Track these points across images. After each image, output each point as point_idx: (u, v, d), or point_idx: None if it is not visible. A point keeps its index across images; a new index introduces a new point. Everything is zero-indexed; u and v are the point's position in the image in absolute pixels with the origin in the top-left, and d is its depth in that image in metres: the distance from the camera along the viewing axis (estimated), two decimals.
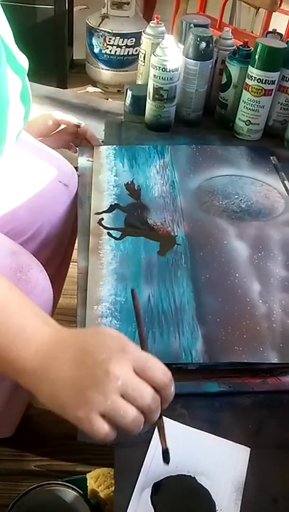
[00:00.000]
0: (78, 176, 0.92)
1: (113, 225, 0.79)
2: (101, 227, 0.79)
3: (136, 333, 0.58)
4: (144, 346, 0.52)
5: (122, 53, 2.52)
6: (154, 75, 0.98)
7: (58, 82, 2.50)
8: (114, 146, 0.98)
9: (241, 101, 1.01)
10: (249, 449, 0.55)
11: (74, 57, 2.84)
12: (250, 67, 0.97)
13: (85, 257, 0.74)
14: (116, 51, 2.51)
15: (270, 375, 0.61)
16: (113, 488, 0.76)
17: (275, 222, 0.84)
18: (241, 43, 1.00)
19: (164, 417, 0.49)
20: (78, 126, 0.98)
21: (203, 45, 0.97)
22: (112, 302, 0.67)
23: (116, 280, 0.70)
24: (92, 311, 0.65)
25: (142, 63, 1.09)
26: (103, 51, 2.52)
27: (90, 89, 2.65)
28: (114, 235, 0.77)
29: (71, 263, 1.09)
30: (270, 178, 0.93)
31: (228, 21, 2.56)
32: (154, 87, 0.99)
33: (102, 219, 0.80)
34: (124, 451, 0.52)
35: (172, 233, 0.79)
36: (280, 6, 2.00)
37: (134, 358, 0.45)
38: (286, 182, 0.93)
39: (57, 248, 0.94)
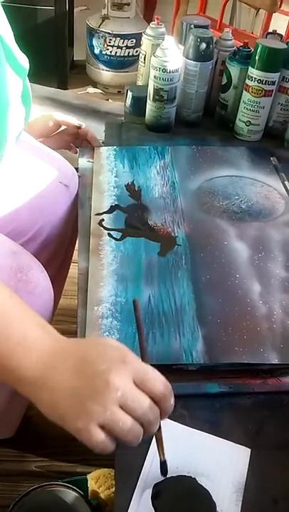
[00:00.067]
0: (79, 176, 0.92)
1: (113, 226, 0.79)
2: (101, 228, 0.79)
3: (136, 333, 0.58)
4: (144, 357, 0.52)
5: (122, 54, 2.52)
6: (155, 76, 0.98)
7: (59, 83, 2.50)
8: (115, 147, 0.98)
9: (241, 102, 1.01)
10: (249, 449, 0.54)
11: (74, 58, 2.84)
12: (250, 68, 0.97)
13: (86, 258, 0.74)
14: (116, 52, 2.51)
15: (271, 375, 0.61)
16: (114, 488, 0.76)
17: (275, 222, 0.84)
18: (241, 44, 1.00)
19: (166, 420, 0.49)
20: (79, 127, 0.98)
21: (204, 46, 0.97)
22: (113, 303, 0.67)
23: (116, 281, 0.70)
24: (92, 311, 0.65)
25: (143, 64, 1.09)
26: (103, 52, 2.52)
27: (91, 90, 2.66)
28: (114, 236, 0.78)
29: (72, 264, 1.09)
30: (270, 178, 0.93)
31: (228, 22, 2.56)
32: (154, 88, 0.99)
33: (103, 220, 0.80)
34: (124, 452, 0.52)
35: (172, 234, 0.79)
36: (280, 6, 2.01)
37: (134, 369, 0.45)
38: (286, 183, 0.93)
39: (57, 249, 0.94)
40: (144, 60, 1.08)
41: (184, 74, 1.00)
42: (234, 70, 1.00)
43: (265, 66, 0.95)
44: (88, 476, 0.85)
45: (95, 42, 2.52)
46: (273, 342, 0.63)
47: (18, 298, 0.52)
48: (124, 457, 0.53)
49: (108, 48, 2.50)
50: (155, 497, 0.49)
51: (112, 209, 0.83)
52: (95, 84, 2.67)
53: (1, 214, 0.81)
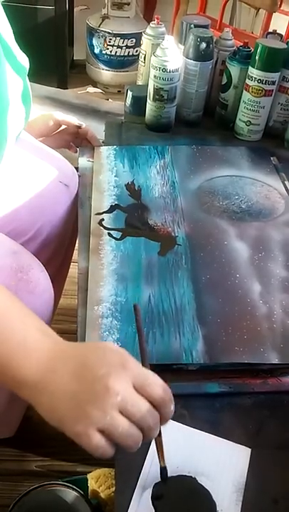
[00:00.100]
0: (79, 176, 0.92)
1: (114, 226, 0.79)
2: (101, 228, 0.79)
3: (136, 333, 0.58)
4: (144, 362, 0.52)
5: (122, 54, 2.52)
6: (155, 76, 0.98)
7: (59, 83, 2.50)
8: (115, 146, 0.98)
9: (241, 101, 1.01)
10: (250, 449, 0.55)
11: (74, 58, 2.84)
12: (250, 67, 0.97)
13: (86, 258, 0.74)
14: (116, 52, 2.51)
15: (271, 375, 0.61)
16: (114, 488, 0.76)
17: (275, 222, 0.84)
18: (241, 44, 1.00)
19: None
20: (79, 127, 0.98)
21: (204, 45, 0.97)
22: (113, 302, 0.67)
23: (116, 280, 0.70)
24: (92, 311, 0.65)
25: (143, 64, 1.09)
26: (103, 52, 2.52)
27: (91, 89, 2.66)
28: (114, 236, 0.78)
29: (72, 263, 1.09)
30: (270, 178, 0.93)
31: (228, 22, 2.56)
32: (154, 88, 0.99)
33: (103, 219, 0.80)
34: (123, 456, 0.52)
35: (173, 234, 0.79)
36: (280, 6, 2.01)
37: (134, 374, 0.45)
38: (286, 182, 0.93)
39: (57, 248, 0.94)
40: (144, 59, 1.08)
41: (184, 73, 1.00)
42: (234, 69, 1.00)
43: (265, 66, 0.95)
44: (88, 476, 0.85)
45: (95, 41, 2.52)
46: (273, 342, 0.63)
47: (18, 300, 0.52)
48: (125, 457, 0.53)
49: (108, 47, 2.50)
50: (155, 497, 0.49)
51: (112, 209, 0.83)
52: (95, 84, 2.67)
53: (1, 214, 0.81)
